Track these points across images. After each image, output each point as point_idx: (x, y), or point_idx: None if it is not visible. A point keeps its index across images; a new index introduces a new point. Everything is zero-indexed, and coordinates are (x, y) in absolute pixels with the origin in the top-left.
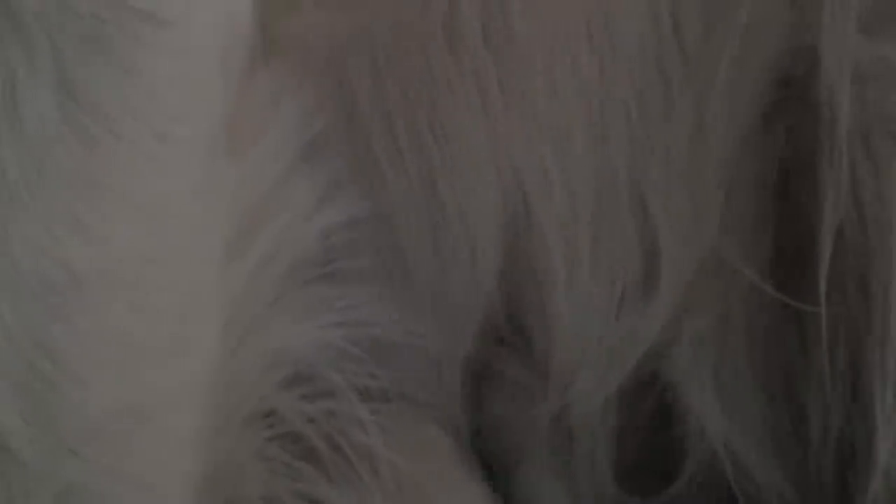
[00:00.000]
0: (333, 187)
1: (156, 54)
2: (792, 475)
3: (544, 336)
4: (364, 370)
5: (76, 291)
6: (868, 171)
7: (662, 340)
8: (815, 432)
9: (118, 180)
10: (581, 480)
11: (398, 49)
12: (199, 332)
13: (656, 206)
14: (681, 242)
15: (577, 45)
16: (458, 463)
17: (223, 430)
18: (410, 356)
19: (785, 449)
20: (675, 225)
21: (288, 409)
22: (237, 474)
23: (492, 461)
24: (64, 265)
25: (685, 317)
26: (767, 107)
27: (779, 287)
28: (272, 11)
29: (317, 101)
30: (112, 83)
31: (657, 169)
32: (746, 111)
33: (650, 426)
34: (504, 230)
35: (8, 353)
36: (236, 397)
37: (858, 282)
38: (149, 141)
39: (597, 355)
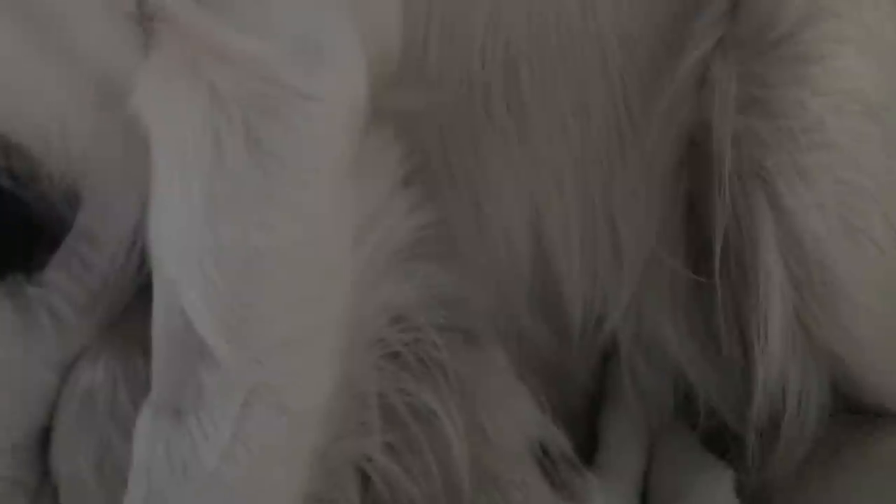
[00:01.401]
0: (418, 200)
1: (311, 119)
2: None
3: (560, 299)
4: (439, 313)
5: (271, 259)
6: (742, 198)
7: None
8: (724, 361)
9: (291, 196)
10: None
11: (454, 114)
12: (338, 289)
13: (620, 221)
14: (634, 244)
15: (566, 118)
16: (510, 375)
17: (351, 350)
18: (467, 307)
19: (712, 373)
20: (630, 233)
21: (391, 337)
22: (360, 379)
23: None
24: (265, 242)
25: (638, 289)
26: (682, 157)
27: (692, 270)
28: (376, 92)
29: (405, 147)
30: (281, 136)
31: (620, 198)
32: (668, 160)
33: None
34: (528, 229)
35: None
36: (360, 330)
37: (738, 266)
38: (307, 174)
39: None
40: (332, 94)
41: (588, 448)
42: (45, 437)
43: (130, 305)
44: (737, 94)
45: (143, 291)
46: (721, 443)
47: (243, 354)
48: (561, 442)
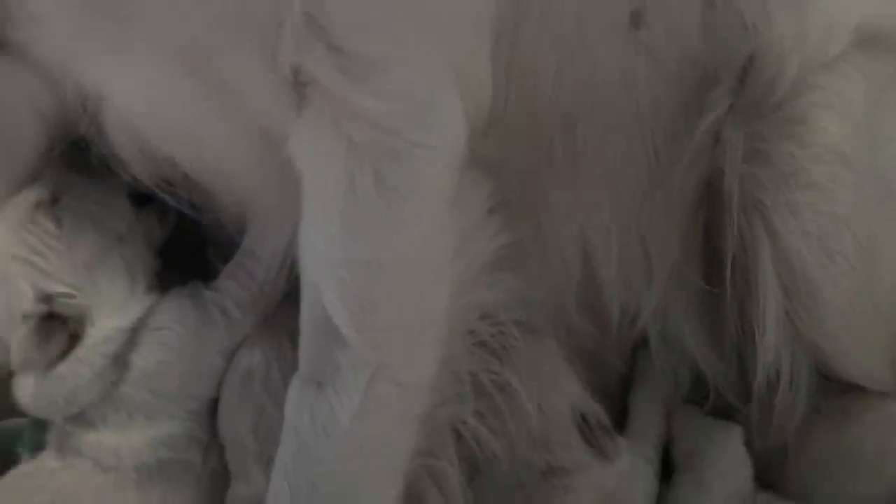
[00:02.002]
0: (499, 226)
1: (424, 163)
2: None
3: (602, 302)
4: (514, 310)
5: (390, 269)
6: (746, 227)
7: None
8: (729, 352)
9: (406, 222)
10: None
11: (525, 160)
12: (440, 292)
13: (650, 243)
14: (661, 261)
15: (609, 163)
16: (560, 359)
17: (450, 339)
18: (530, 306)
19: (721, 363)
20: (658, 252)
21: (481, 329)
22: (457, 360)
23: None
24: (385, 256)
25: (664, 295)
26: (700, 194)
27: (706, 282)
28: (470, 140)
29: (489, 185)
30: (401, 176)
31: (650, 225)
32: (689, 197)
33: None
34: (578, 248)
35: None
36: (456, 323)
37: (742, 279)
38: (419, 205)
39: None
40: (440, 143)
41: (619, 419)
42: (214, 406)
43: (280, 303)
44: (743, 147)
45: (289, 293)
46: (727, 417)
47: (369, 340)
48: (598, 413)
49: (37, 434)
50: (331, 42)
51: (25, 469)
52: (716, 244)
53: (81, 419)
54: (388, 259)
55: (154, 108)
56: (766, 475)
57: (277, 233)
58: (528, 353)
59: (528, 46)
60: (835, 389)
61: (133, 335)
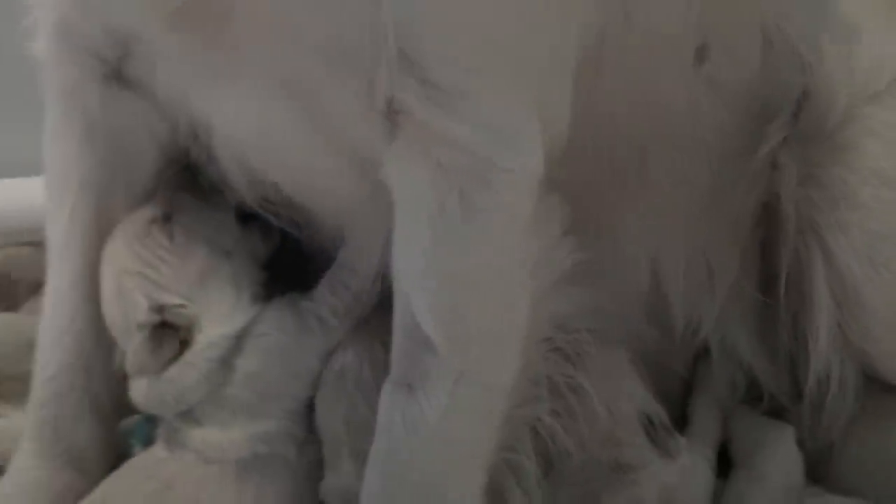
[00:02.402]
0: (574, 244)
1: (506, 186)
2: (782, 385)
3: (668, 313)
4: (587, 319)
5: (475, 281)
6: (801, 244)
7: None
8: (783, 355)
9: (490, 239)
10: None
11: (601, 184)
12: (520, 303)
13: (713, 260)
14: (722, 276)
15: (677, 188)
16: (628, 364)
17: (528, 345)
18: (602, 317)
19: (774, 369)
20: (720, 268)
21: (557, 337)
22: (534, 364)
23: None
24: (471, 270)
25: (724, 308)
26: (758, 216)
27: (764, 290)
28: (549, 166)
29: (566, 207)
30: (486, 197)
31: (713, 243)
32: (748, 218)
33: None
34: (648, 264)
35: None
36: (534, 331)
37: (797, 292)
38: (501, 224)
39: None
40: (520, 168)
41: (681, 421)
42: (310, 405)
43: (372, 310)
44: (798, 172)
45: (380, 301)
46: (779, 418)
47: (455, 347)
48: (661, 415)
49: (148, 429)
50: (422, 75)
51: (137, 460)
52: (771, 260)
53: (188, 416)
54: (472, 272)
55: (259, 135)
56: (816, 471)
57: (371, 248)
58: (599, 359)
59: (606, 83)
60: (879, 391)
61: (238, 341)
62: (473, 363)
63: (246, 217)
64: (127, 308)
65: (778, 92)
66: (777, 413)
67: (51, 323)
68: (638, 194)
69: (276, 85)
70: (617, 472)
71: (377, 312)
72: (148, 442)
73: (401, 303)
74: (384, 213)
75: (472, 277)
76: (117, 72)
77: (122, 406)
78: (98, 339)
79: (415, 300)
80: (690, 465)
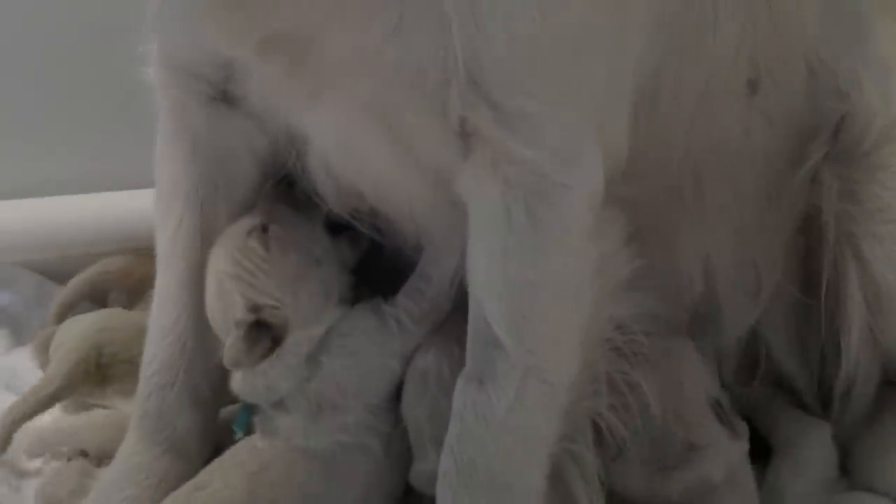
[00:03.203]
0: (633, 253)
1: (567, 200)
2: (808, 381)
3: (720, 312)
4: (644, 321)
5: (540, 287)
6: (839, 253)
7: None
8: (815, 355)
9: (553, 248)
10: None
11: (658, 199)
12: (582, 307)
13: (761, 265)
14: (768, 279)
15: (728, 202)
16: (696, 353)
17: (589, 345)
18: (659, 321)
19: (804, 368)
20: (766, 273)
21: (615, 338)
22: (594, 363)
23: None
24: (536, 276)
25: (768, 307)
26: (801, 226)
27: (803, 293)
28: (610, 183)
29: (626, 219)
30: (548, 210)
31: (761, 251)
32: (792, 228)
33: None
34: (702, 269)
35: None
36: (594, 333)
37: (833, 296)
38: (563, 235)
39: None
40: (580, 184)
41: None
42: (395, 399)
43: (450, 314)
44: (837, 188)
45: (457, 305)
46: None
47: (522, 347)
48: (725, 398)
49: (248, 416)
50: (490, 99)
51: (236, 448)
52: (812, 267)
53: (280, 405)
54: (538, 278)
55: (346, 151)
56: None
57: (448, 256)
58: (672, 349)
59: (665, 110)
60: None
61: (324, 340)
62: (538, 362)
63: (336, 227)
64: (226, 307)
65: (820, 116)
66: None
67: (157, 322)
68: (694, 208)
69: (357, 105)
70: (688, 451)
71: (454, 316)
72: (248, 429)
73: (474, 307)
74: (459, 225)
75: (538, 284)
76: (221, 93)
77: (224, 396)
78: (199, 337)
79: (486, 305)
80: (748, 447)
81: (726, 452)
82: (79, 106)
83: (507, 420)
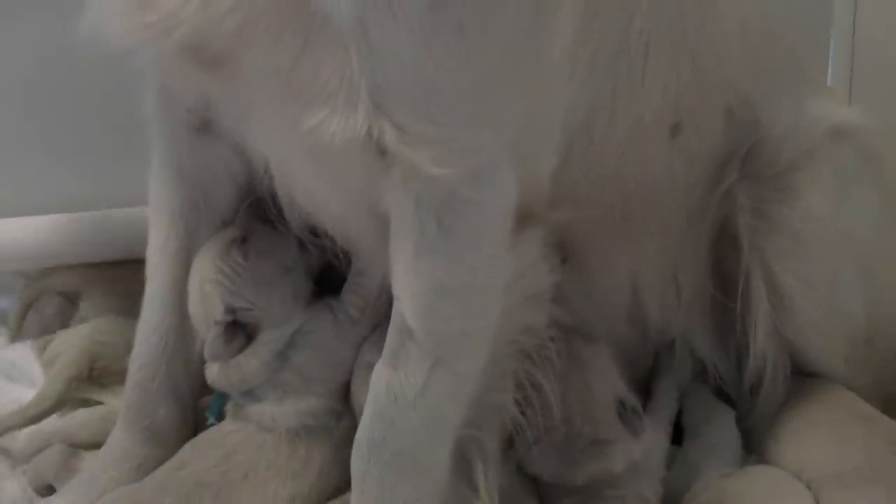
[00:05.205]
0: (553, 266)
1: (474, 214)
2: (728, 373)
3: (645, 319)
4: (552, 329)
5: (452, 290)
6: (749, 262)
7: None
8: (732, 350)
9: (464, 257)
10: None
11: (587, 223)
12: (493, 311)
13: (681, 277)
14: (688, 288)
15: (653, 224)
16: (608, 357)
17: (498, 344)
18: (588, 322)
19: (724, 361)
20: (686, 283)
21: (524, 341)
22: (502, 361)
23: None
24: (449, 281)
25: (688, 313)
26: (718, 239)
27: (721, 296)
28: (537, 210)
29: (551, 237)
30: (457, 222)
31: (682, 264)
32: (710, 241)
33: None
34: (629, 282)
35: None
36: (503, 334)
37: (745, 298)
38: (472, 244)
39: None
40: (491, 200)
41: (646, 399)
42: (346, 386)
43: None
44: (749, 206)
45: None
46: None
47: (432, 339)
48: (632, 399)
49: (220, 405)
50: (393, 122)
51: (208, 432)
52: (728, 273)
53: (250, 394)
54: (448, 282)
55: (283, 172)
56: (750, 443)
57: (377, 260)
58: (583, 353)
59: (599, 147)
60: (801, 380)
61: (291, 337)
62: (446, 354)
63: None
64: (207, 308)
65: (735, 145)
66: (719, 394)
67: (144, 323)
68: (623, 230)
69: (281, 127)
70: (594, 446)
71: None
72: (220, 415)
73: (396, 303)
74: (385, 235)
75: (447, 287)
76: (202, 121)
77: (201, 390)
78: (181, 336)
79: (403, 300)
80: (651, 442)
81: (627, 448)
82: (88, 131)
83: (416, 402)
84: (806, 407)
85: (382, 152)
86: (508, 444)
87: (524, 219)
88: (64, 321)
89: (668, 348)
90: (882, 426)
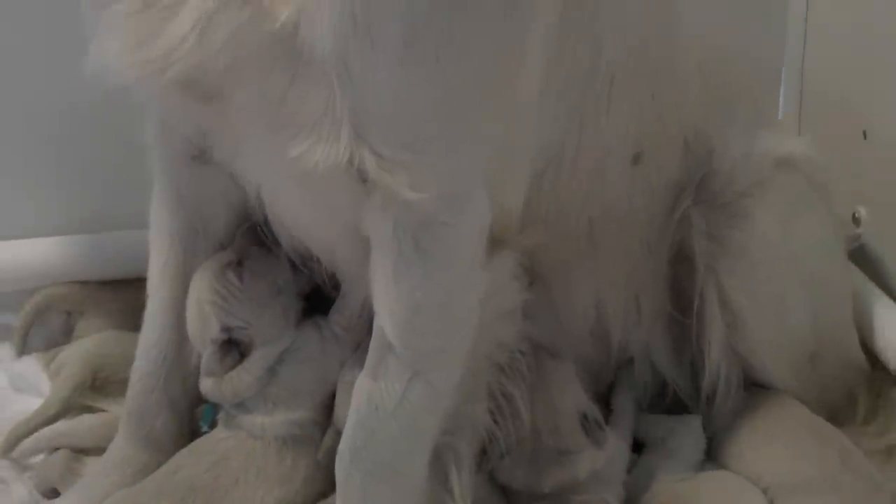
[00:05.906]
0: (524, 285)
1: (449, 236)
2: (686, 386)
3: (608, 337)
4: (525, 344)
5: (427, 307)
6: (704, 282)
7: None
8: (688, 364)
9: (438, 276)
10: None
11: (555, 247)
12: (467, 327)
13: (641, 298)
14: (647, 309)
15: (615, 251)
16: (572, 373)
17: (472, 358)
18: (553, 340)
19: (681, 375)
20: (646, 303)
21: (496, 355)
22: (476, 374)
23: None
24: (423, 299)
25: (648, 332)
26: (675, 260)
27: (678, 313)
28: (507, 235)
29: (521, 259)
30: (433, 243)
31: (642, 286)
32: (667, 263)
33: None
34: (593, 303)
35: None
36: (477, 349)
37: (700, 316)
38: (446, 264)
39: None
40: (465, 223)
41: (608, 411)
42: (331, 399)
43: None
44: (704, 229)
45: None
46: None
47: (411, 354)
48: (595, 412)
49: (213, 414)
50: (372, 149)
51: (202, 440)
52: (685, 292)
53: (242, 406)
54: (425, 300)
55: (279, 203)
56: (708, 451)
57: (360, 286)
58: (548, 368)
59: (566, 176)
60: (756, 391)
61: (282, 353)
62: (424, 366)
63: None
64: (204, 327)
65: (691, 174)
66: (678, 409)
67: (144, 339)
68: (587, 254)
69: (270, 156)
70: (559, 456)
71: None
72: (212, 424)
73: (376, 318)
74: (367, 258)
75: (424, 304)
76: (199, 150)
77: (196, 399)
78: (178, 351)
79: (383, 317)
80: (613, 451)
81: (590, 458)
82: (92, 158)
83: (395, 412)
84: (762, 418)
85: (363, 178)
86: (482, 454)
87: (496, 243)
88: (68, 336)
89: (629, 364)
90: (834, 440)
